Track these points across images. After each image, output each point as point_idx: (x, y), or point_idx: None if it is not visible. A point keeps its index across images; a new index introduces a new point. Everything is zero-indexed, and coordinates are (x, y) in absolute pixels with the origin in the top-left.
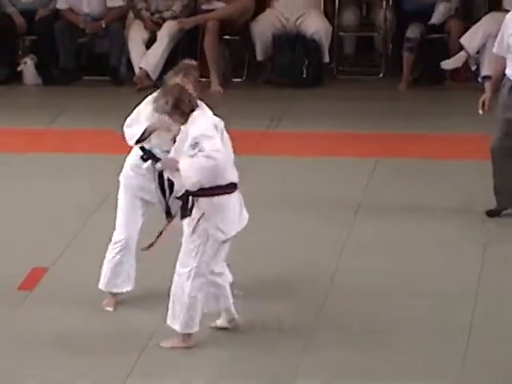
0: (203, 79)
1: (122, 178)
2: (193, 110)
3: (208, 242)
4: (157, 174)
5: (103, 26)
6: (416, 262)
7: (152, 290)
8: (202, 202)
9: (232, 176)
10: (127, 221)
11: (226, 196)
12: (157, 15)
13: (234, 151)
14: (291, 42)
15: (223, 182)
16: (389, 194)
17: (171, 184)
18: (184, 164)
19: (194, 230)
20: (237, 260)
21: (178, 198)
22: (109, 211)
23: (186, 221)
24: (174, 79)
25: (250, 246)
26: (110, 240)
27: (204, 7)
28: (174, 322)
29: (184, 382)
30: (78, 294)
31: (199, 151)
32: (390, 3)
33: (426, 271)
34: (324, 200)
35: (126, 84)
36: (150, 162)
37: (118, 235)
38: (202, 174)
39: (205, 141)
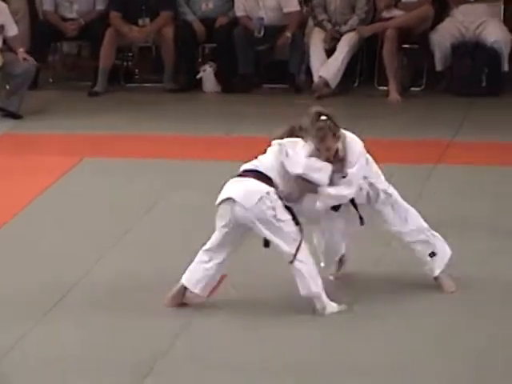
0: (382, 87)
1: None
2: None
3: None
4: None
5: (289, 35)
6: None
7: None
8: None
9: None
10: None
11: None
12: (335, 28)
13: (417, 161)
14: (470, 50)
15: None
16: None
17: None
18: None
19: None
20: None
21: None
22: None
23: None
24: None
25: None
26: None
27: (383, 15)
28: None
29: None
30: None
31: None
32: None
33: None
34: None
35: (303, 91)
36: None
37: None
38: None
39: None
